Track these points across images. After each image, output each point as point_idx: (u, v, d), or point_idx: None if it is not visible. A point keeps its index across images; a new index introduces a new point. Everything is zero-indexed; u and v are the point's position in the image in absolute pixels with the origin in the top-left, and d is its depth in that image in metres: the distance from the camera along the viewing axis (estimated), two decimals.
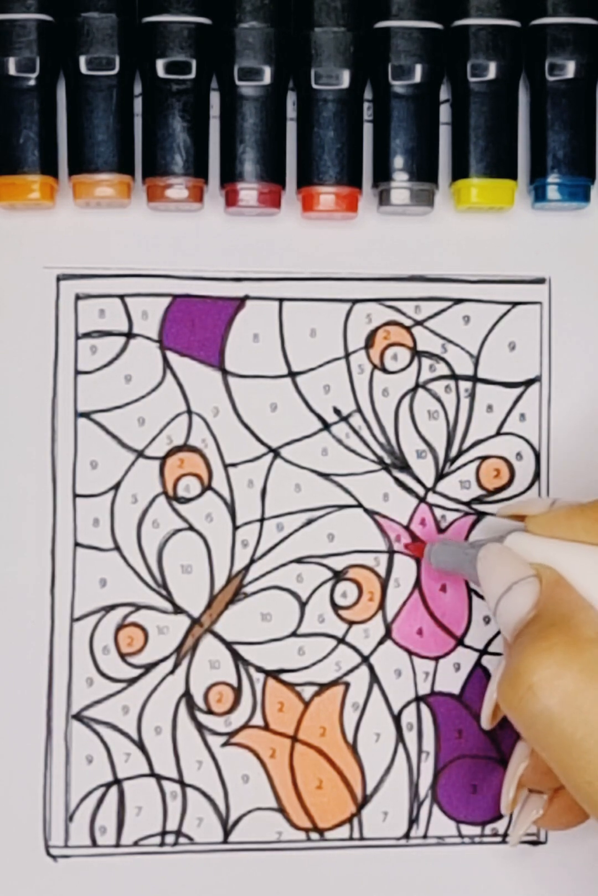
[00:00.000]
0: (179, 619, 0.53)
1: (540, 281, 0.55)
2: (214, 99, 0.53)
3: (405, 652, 0.54)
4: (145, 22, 0.51)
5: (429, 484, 0.54)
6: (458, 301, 0.54)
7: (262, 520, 0.54)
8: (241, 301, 0.54)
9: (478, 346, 0.54)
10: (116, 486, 0.53)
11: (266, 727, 0.54)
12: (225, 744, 0.54)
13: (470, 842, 0.54)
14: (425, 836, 0.54)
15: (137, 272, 0.53)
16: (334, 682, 0.54)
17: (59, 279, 0.53)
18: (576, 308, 0.55)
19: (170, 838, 0.54)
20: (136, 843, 0.53)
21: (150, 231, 0.53)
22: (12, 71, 0.51)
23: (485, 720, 0.49)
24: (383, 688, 0.54)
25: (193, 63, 0.51)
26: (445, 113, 0.54)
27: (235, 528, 0.54)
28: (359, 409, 0.54)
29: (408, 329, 0.54)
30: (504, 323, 0.55)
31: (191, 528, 0.54)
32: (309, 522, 0.54)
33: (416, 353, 0.54)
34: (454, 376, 0.54)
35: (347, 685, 0.54)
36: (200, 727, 0.54)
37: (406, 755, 0.54)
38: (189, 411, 0.54)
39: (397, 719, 0.54)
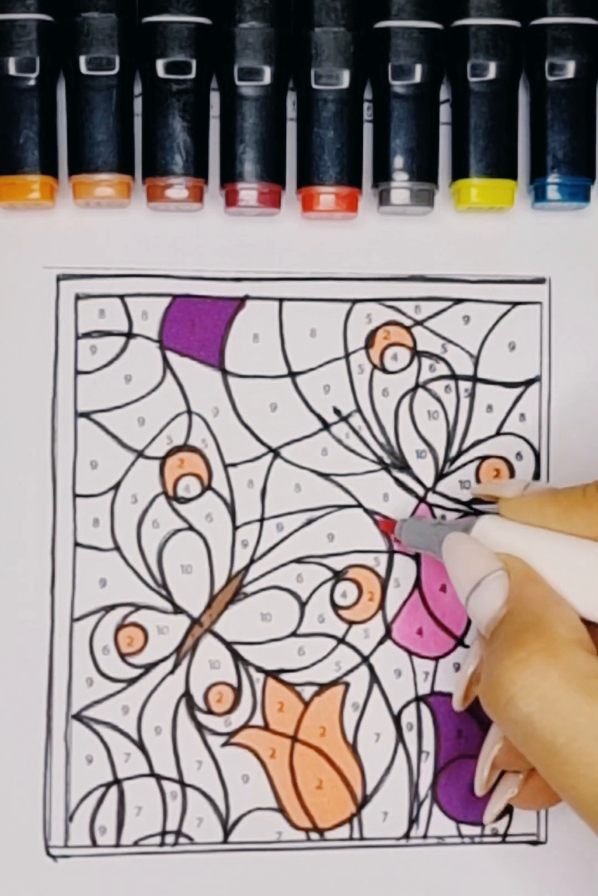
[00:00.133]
0: (179, 619, 0.53)
1: (540, 281, 0.55)
2: (214, 99, 0.53)
3: (405, 652, 0.54)
4: (145, 22, 0.51)
5: (429, 484, 0.54)
6: (458, 301, 0.54)
7: (262, 520, 0.54)
8: (241, 301, 0.54)
9: (478, 346, 0.54)
10: (116, 486, 0.53)
11: (266, 727, 0.54)
12: (225, 744, 0.54)
13: (470, 842, 0.54)
14: (425, 836, 0.54)
15: (136, 272, 0.53)
16: (334, 682, 0.54)
17: (59, 279, 0.53)
18: (576, 308, 0.55)
19: (170, 838, 0.54)
20: (136, 843, 0.53)
21: (150, 231, 0.54)
22: (12, 71, 0.51)
23: (457, 703, 0.50)
24: (382, 688, 0.54)
25: (193, 63, 0.51)
26: (445, 113, 0.54)
27: (235, 528, 0.54)
28: (359, 409, 0.54)
29: (408, 329, 0.54)
30: (504, 323, 0.55)
31: (191, 528, 0.54)
32: (309, 522, 0.54)
33: (416, 353, 0.54)
34: (454, 376, 0.54)
35: (347, 685, 0.54)
36: (200, 727, 0.54)
37: (406, 755, 0.54)
38: (189, 411, 0.54)
39: (397, 719, 0.54)
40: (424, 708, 0.54)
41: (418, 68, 0.52)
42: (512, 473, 0.54)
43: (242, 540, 0.54)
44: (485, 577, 0.47)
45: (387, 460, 0.54)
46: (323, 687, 0.54)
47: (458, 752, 0.54)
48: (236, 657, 0.54)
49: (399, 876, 0.54)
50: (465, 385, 0.54)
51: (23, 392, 0.53)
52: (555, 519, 0.47)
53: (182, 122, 0.52)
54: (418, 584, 0.54)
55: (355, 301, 0.54)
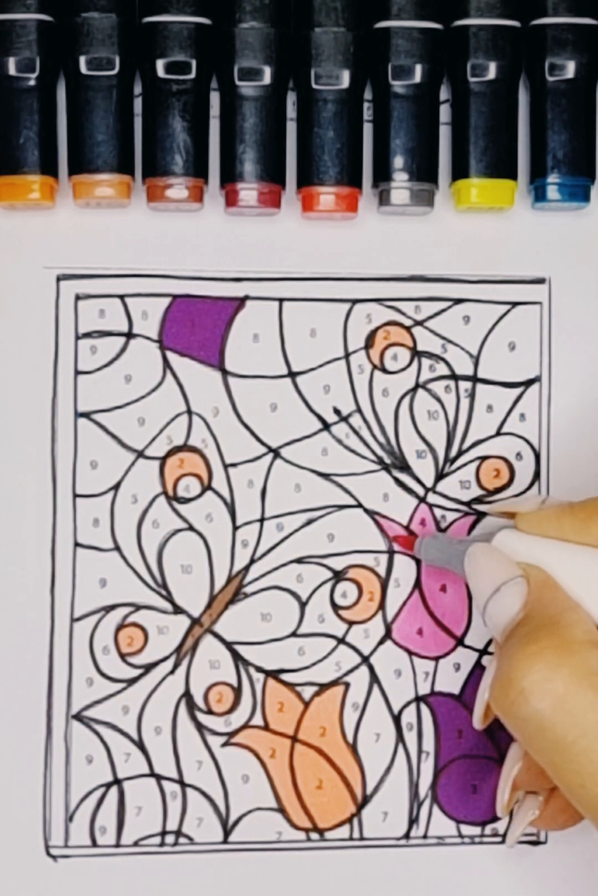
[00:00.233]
0: (179, 619, 0.53)
1: (540, 281, 0.55)
2: (214, 99, 0.53)
3: (405, 652, 0.54)
4: (145, 22, 0.51)
5: (429, 484, 0.54)
6: (458, 301, 0.54)
7: (262, 520, 0.54)
8: (241, 301, 0.54)
9: (478, 346, 0.54)
10: (116, 487, 0.53)
11: (266, 727, 0.54)
12: (225, 744, 0.54)
13: (470, 842, 0.54)
14: (425, 837, 0.54)
15: (137, 272, 0.53)
16: (334, 682, 0.54)
17: (59, 279, 0.53)
18: (576, 308, 0.55)
19: (170, 838, 0.54)
20: (136, 843, 0.53)
21: (150, 231, 0.53)
22: (12, 71, 0.51)
23: (477, 720, 0.49)
24: (383, 688, 0.54)
25: (193, 63, 0.51)
26: (445, 113, 0.54)
27: (235, 528, 0.54)
28: (359, 410, 0.54)
29: (408, 329, 0.54)
30: (504, 323, 0.55)
31: (191, 528, 0.54)
32: (309, 522, 0.54)
33: (416, 353, 0.54)
34: (454, 376, 0.54)
35: (347, 685, 0.54)
36: (200, 727, 0.54)
37: (406, 755, 0.54)
38: (189, 411, 0.54)
39: (397, 719, 0.54)
40: (424, 708, 0.54)
41: (418, 68, 0.52)
42: (512, 473, 0.54)
43: (243, 540, 0.54)
44: (504, 583, 0.47)
45: (387, 460, 0.54)
46: (323, 687, 0.54)
47: (458, 752, 0.54)
48: (236, 657, 0.54)
49: (399, 876, 0.54)
50: (465, 385, 0.54)
51: (23, 392, 0.53)
52: (572, 531, 0.47)
53: (182, 122, 0.52)
54: (418, 584, 0.54)
55: (355, 301, 0.54)
